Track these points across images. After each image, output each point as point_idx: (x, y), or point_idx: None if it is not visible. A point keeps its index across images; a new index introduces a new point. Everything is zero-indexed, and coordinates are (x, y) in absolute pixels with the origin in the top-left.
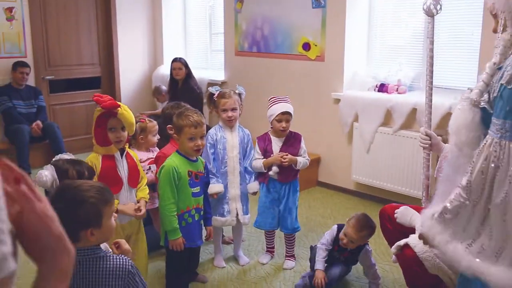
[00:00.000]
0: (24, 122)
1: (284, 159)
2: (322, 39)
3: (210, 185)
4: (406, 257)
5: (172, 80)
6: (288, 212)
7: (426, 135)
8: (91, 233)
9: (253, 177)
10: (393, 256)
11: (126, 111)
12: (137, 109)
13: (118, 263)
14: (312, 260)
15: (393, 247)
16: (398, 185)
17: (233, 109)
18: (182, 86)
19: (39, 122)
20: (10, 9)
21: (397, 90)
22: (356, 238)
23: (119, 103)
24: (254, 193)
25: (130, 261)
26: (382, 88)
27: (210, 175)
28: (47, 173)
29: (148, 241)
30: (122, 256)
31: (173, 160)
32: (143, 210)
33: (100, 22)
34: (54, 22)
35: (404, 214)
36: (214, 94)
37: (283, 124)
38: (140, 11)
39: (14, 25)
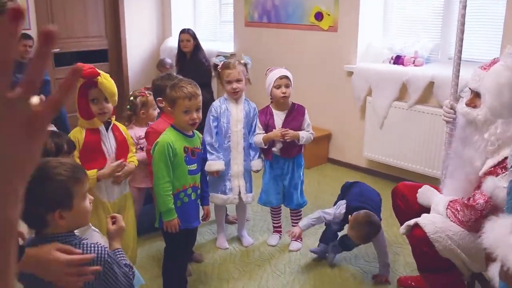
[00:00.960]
0: None
1: (285, 135)
2: (336, 8)
3: (210, 162)
4: (416, 237)
5: (180, 52)
6: (293, 187)
7: (451, 108)
8: (60, 215)
9: (257, 154)
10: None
11: (107, 80)
12: (144, 82)
13: (93, 252)
14: (324, 238)
15: (402, 227)
16: (413, 163)
17: (238, 80)
18: (190, 58)
19: (42, 96)
20: None
21: (413, 63)
22: (361, 241)
23: (99, 71)
24: (257, 171)
25: (106, 249)
26: (398, 60)
27: (210, 151)
28: None
29: (149, 220)
30: (98, 243)
31: (168, 136)
32: (126, 168)
33: None
34: None
35: (422, 193)
36: (218, 65)
37: (283, 89)
38: None
39: None
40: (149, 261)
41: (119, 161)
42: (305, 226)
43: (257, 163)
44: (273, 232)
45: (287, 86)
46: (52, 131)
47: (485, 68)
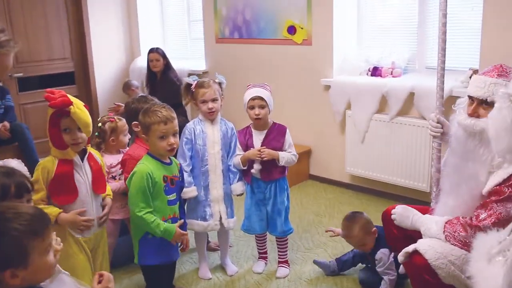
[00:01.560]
0: None
1: (262, 153)
2: (309, 21)
3: (184, 190)
4: (416, 265)
5: (150, 72)
6: (276, 213)
7: (438, 122)
8: (13, 274)
9: (238, 177)
10: (400, 267)
11: (80, 110)
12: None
13: None
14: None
15: (400, 254)
16: (397, 177)
17: (214, 100)
18: (160, 78)
19: (6, 123)
20: None
21: (391, 74)
22: (356, 240)
23: (72, 99)
24: (239, 195)
25: None
26: (375, 72)
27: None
28: None
29: (125, 252)
30: None
31: (146, 165)
32: (106, 211)
33: (70, 12)
34: (20, 15)
35: (403, 215)
36: (191, 85)
37: (256, 110)
38: None
39: None
40: None
41: (87, 218)
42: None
43: (237, 186)
44: (258, 258)
45: (261, 107)
46: (6, 171)
47: (488, 74)
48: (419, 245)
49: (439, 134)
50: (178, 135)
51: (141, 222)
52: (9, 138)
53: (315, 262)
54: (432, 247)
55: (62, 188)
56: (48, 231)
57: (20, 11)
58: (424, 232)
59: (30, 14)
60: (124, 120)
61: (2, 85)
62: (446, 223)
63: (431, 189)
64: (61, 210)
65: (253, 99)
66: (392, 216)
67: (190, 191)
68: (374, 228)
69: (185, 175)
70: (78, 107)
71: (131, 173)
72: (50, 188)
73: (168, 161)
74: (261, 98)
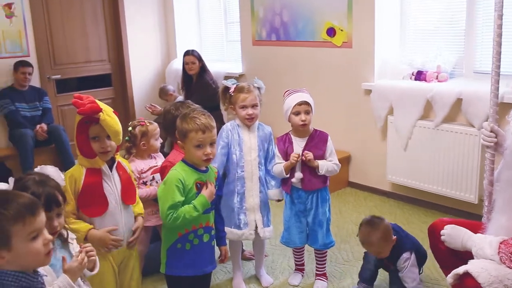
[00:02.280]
0: (28, 126)
1: (307, 155)
2: (349, 23)
3: None
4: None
5: (185, 75)
6: (318, 225)
7: (491, 131)
8: None
9: (277, 183)
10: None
11: (110, 117)
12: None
13: None
14: (364, 271)
15: (449, 275)
16: (441, 187)
17: (254, 106)
18: (196, 81)
19: (43, 125)
20: (9, 5)
21: (437, 78)
22: (374, 248)
23: (101, 106)
24: (279, 200)
25: None
26: (419, 76)
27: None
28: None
29: (156, 260)
30: None
31: (178, 171)
32: (136, 235)
33: (108, 15)
34: (58, 18)
35: (453, 236)
36: (229, 88)
37: (302, 116)
38: (150, 1)
39: (14, 23)
40: None
41: (116, 238)
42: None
43: (275, 192)
44: (295, 270)
45: (307, 112)
46: (41, 179)
47: None
48: (471, 267)
49: (492, 144)
50: (215, 145)
51: (177, 224)
52: (46, 140)
53: None
54: (486, 269)
55: (92, 199)
56: (33, 219)
57: (58, 14)
58: (476, 253)
59: (68, 16)
60: (155, 124)
61: (40, 87)
62: (501, 243)
63: (483, 202)
64: (91, 227)
65: (299, 104)
66: (442, 238)
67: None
68: (395, 237)
69: None
70: (108, 114)
71: (163, 181)
72: (79, 199)
73: (203, 168)
74: (307, 103)
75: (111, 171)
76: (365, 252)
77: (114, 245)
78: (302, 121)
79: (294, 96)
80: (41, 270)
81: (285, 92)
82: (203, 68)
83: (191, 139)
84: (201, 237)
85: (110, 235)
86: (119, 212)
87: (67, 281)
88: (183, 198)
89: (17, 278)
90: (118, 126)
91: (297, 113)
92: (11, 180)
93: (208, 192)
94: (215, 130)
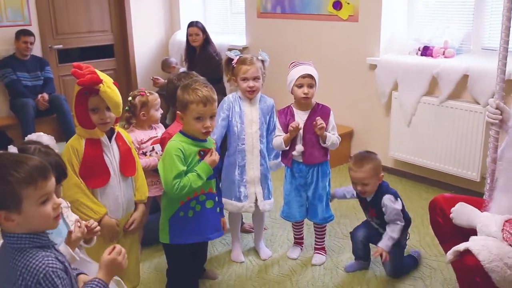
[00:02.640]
0: (29, 95)
1: (317, 121)
2: None
3: None
4: (467, 266)
5: (189, 47)
6: (318, 199)
7: (497, 108)
8: (7, 217)
9: (276, 154)
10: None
11: (110, 88)
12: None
13: (31, 264)
14: (355, 250)
15: (449, 252)
16: (444, 164)
17: (255, 78)
18: (199, 53)
19: (45, 94)
20: None
21: (443, 54)
22: (362, 176)
23: (102, 76)
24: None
25: (50, 271)
26: (426, 51)
27: None
28: None
29: (157, 230)
30: (48, 258)
31: (176, 141)
32: (134, 225)
33: None
34: None
35: (460, 213)
36: (232, 60)
37: (305, 89)
38: None
39: None
40: (156, 276)
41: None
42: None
43: (275, 163)
44: (294, 243)
45: (310, 86)
46: (46, 150)
47: None
48: (472, 244)
49: (497, 121)
50: (215, 118)
51: (184, 193)
52: (47, 109)
53: (347, 271)
54: (487, 247)
55: (93, 170)
56: (45, 183)
57: None
58: (480, 229)
59: None
60: (155, 95)
61: (41, 57)
62: (506, 221)
63: (485, 180)
64: (106, 211)
65: (303, 76)
66: (450, 215)
67: None
68: (382, 174)
69: None
70: (108, 86)
71: (162, 155)
72: (81, 171)
73: (202, 139)
74: (311, 77)
75: (110, 142)
76: (350, 233)
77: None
78: (304, 94)
79: (298, 68)
80: None
81: (290, 64)
82: (206, 40)
83: (191, 111)
84: (204, 203)
85: (117, 228)
86: (118, 184)
87: (68, 251)
88: (185, 167)
89: (32, 240)
90: (119, 98)
91: (300, 86)
92: (12, 149)
93: (210, 159)
94: (216, 103)
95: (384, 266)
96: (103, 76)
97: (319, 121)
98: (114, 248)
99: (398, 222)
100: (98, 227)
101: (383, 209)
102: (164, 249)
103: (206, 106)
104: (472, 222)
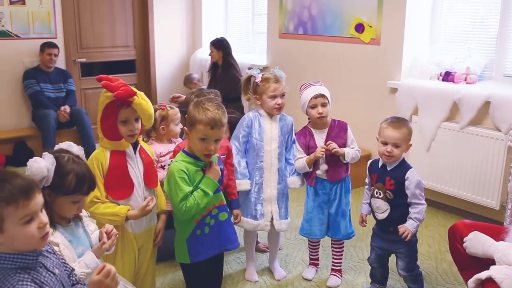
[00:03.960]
0: (51, 107)
1: (329, 146)
2: (378, 19)
3: (237, 181)
4: None
5: (212, 63)
6: (341, 216)
7: None
8: None
9: (295, 171)
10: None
11: (145, 101)
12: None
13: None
14: (373, 273)
15: (470, 280)
16: (463, 191)
17: (283, 95)
18: (221, 71)
19: (66, 107)
20: None
21: (465, 80)
22: (398, 137)
23: (135, 89)
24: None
25: None
26: (447, 77)
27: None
28: (42, 166)
29: (171, 246)
30: (23, 283)
31: (179, 162)
32: (159, 237)
33: (136, 1)
34: (87, 1)
35: (474, 241)
36: (251, 78)
37: (319, 109)
38: None
39: (44, 4)
40: None
41: (146, 201)
42: (364, 209)
43: (294, 180)
44: (309, 264)
45: (323, 105)
46: (78, 159)
47: None
48: (494, 272)
49: None
50: (220, 142)
51: (192, 213)
52: (68, 122)
53: None
54: (510, 276)
55: (118, 182)
56: (27, 203)
57: None
58: (500, 259)
59: (97, 0)
60: (176, 109)
61: (65, 69)
62: None
63: (506, 206)
64: (128, 208)
65: (315, 97)
66: (464, 245)
67: (243, 184)
68: (411, 144)
69: (240, 167)
70: (143, 98)
71: (166, 177)
72: (106, 182)
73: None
74: (323, 96)
75: (134, 154)
76: (368, 258)
77: (150, 206)
78: (319, 113)
79: (309, 89)
80: (61, 245)
81: (301, 86)
82: (227, 58)
83: (197, 131)
84: (217, 217)
85: (141, 205)
86: (141, 196)
87: (94, 259)
88: (190, 188)
89: (13, 260)
90: (152, 110)
91: (313, 107)
92: (47, 156)
93: (211, 172)
94: (223, 128)
95: (397, 264)
96: (134, 89)
97: (331, 146)
98: (103, 268)
99: (422, 202)
100: (115, 231)
101: (406, 183)
102: (182, 270)
103: (213, 129)
104: (488, 251)
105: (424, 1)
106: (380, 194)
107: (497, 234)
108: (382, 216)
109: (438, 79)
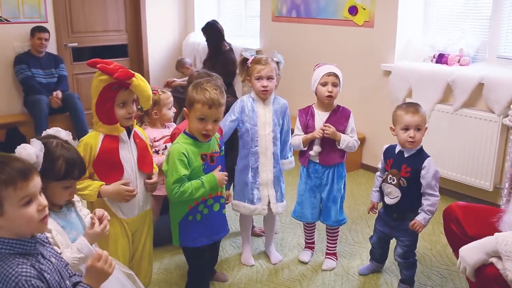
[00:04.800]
0: (43, 92)
1: (325, 130)
2: (372, 1)
3: None
4: (486, 276)
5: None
6: (332, 201)
7: None
8: None
9: (291, 152)
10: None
11: (143, 81)
12: (165, 79)
13: (4, 271)
14: (372, 251)
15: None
16: (457, 173)
17: (269, 78)
18: (222, 54)
19: (58, 92)
20: None
21: (458, 62)
22: (420, 120)
23: (132, 72)
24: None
25: (22, 280)
26: (441, 59)
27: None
28: (31, 152)
29: (167, 230)
30: (23, 266)
31: (180, 144)
32: (154, 179)
33: None
34: None
35: (468, 250)
36: (247, 60)
37: (329, 87)
38: None
39: None
40: (167, 277)
41: (130, 188)
42: (374, 196)
43: (288, 162)
44: (305, 247)
45: (334, 85)
46: (67, 144)
47: None
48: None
49: None
50: (219, 122)
51: (183, 198)
52: (60, 107)
53: (361, 274)
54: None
55: (108, 166)
56: (25, 184)
57: None
58: (507, 256)
59: None
60: (168, 93)
61: (56, 54)
62: None
63: (502, 186)
64: (102, 183)
65: (328, 74)
66: (461, 268)
67: None
68: (426, 126)
69: None
70: (141, 79)
71: (166, 157)
72: (95, 165)
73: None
74: (336, 76)
75: (128, 139)
76: (370, 238)
77: (130, 195)
78: (328, 92)
79: (323, 67)
80: (53, 231)
81: (315, 65)
82: (220, 43)
83: (195, 110)
84: (211, 207)
85: (123, 186)
86: (135, 180)
87: (85, 243)
88: (188, 172)
89: (11, 246)
90: (150, 91)
91: (324, 84)
92: (36, 142)
93: (220, 177)
94: (222, 108)
95: (395, 249)
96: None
97: (327, 129)
98: (101, 256)
99: (436, 193)
100: (106, 214)
101: (422, 172)
102: (183, 251)
103: (211, 109)
104: (485, 252)
105: None
106: (393, 181)
107: (491, 215)
108: (391, 201)
109: (431, 61)
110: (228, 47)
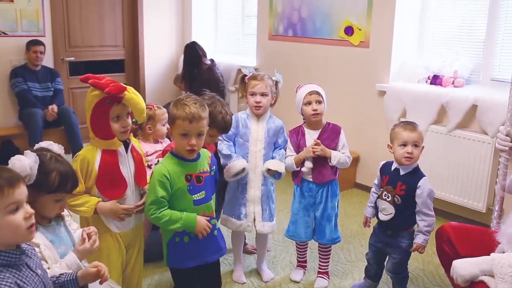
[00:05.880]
0: (39, 106)
1: (315, 150)
2: (368, 22)
3: (231, 164)
4: None
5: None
6: (326, 220)
7: (507, 135)
8: None
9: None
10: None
11: (135, 94)
12: (162, 96)
13: None
14: (368, 269)
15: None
16: (450, 193)
17: (263, 94)
18: (205, 72)
19: (54, 106)
20: None
21: (453, 83)
22: (418, 136)
23: (124, 85)
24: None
25: None
26: (435, 80)
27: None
28: (26, 164)
29: (159, 246)
30: (2, 282)
31: (163, 165)
32: (144, 199)
33: (125, 1)
34: (76, 0)
35: (463, 264)
36: (245, 76)
37: (314, 105)
38: None
39: (32, 1)
40: None
41: (127, 206)
42: (368, 212)
43: (274, 163)
44: (297, 266)
45: (318, 102)
46: (61, 158)
47: None
48: (486, 277)
49: (507, 148)
50: (203, 137)
51: (159, 223)
52: (55, 121)
53: None
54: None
55: (110, 181)
56: (11, 191)
57: None
58: (500, 278)
59: (86, 0)
60: (163, 109)
61: (53, 68)
62: None
63: (493, 208)
64: (99, 199)
65: (310, 93)
66: (456, 273)
67: (238, 163)
68: (423, 146)
69: (227, 151)
70: (133, 92)
71: (150, 177)
72: (98, 182)
73: (193, 157)
74: (318, 93)
75: (126, 153)
76: (366, 254)
77: (126, 214)
78: (313, 110)
79: (304, 87)
80: (42, 245)
81: (297, 87)
82: (201, 61)
83: (177, 126)
84: None
85: (119, 205)
86: (132, 194)
87: (74, 260)
88: (166, 194)
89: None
90: (144, 104)
91: (308, 103)
92: (30, 154)
93: (202, 223)
94: (204, 121)
95: (386, 263)
96: (125, 85)
97: (316, 149)
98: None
99: (431, 213)
100: (93, 228)
101: (418, 191)
102: (170, 272)
103: (192, 123)
104: (482, 266)
105: (413, 5)
106: (388, 197)
107: (484, 237)
108: (385, 218)
109: (426, 82)
110: (207, 66)
